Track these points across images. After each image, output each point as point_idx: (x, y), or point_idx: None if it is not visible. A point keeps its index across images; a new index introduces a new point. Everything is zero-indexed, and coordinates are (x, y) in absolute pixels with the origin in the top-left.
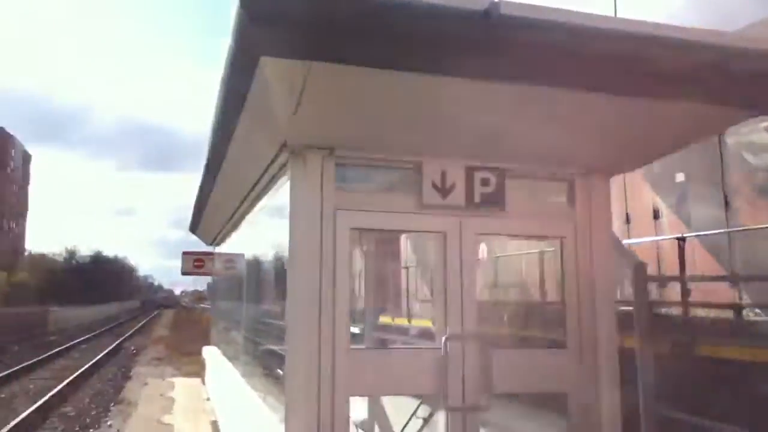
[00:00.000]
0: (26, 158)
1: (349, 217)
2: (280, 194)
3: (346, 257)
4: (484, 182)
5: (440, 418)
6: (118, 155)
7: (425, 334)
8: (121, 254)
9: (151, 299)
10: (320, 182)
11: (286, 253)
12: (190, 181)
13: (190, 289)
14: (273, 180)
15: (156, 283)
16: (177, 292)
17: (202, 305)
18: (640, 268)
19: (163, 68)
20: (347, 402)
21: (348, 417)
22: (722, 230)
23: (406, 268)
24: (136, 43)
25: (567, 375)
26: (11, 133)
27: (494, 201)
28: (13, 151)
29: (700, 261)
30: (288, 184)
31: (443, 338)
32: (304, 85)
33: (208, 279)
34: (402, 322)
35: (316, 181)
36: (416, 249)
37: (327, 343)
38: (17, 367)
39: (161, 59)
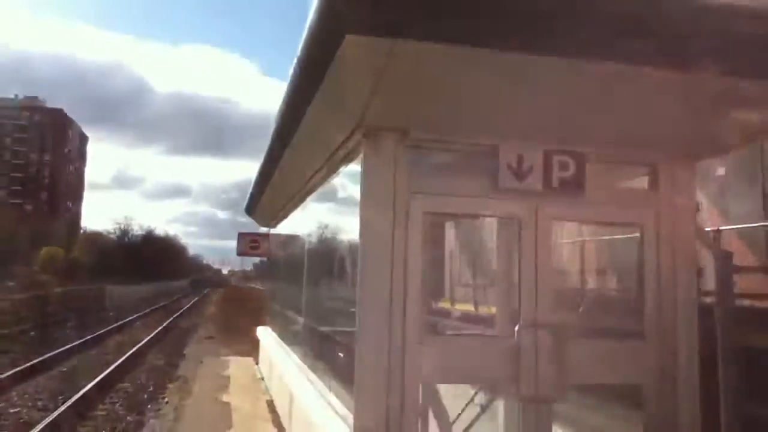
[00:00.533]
0: (83, 139)
1: (422, 201)
2: (350, 177)
3: (418, 242)
4: (563, 166)
5: (500, 406)
6: (169, 138)
7: (467, 318)
8: (171, 233)
9: (201, 278)
10: (393, 165)
11: (353, 237)
12: (239, 167)
13: (237, 268)
14: (341, 162)
15: (204, 262)
16: (224, 271)
17: (250, 285)
18: (726, 258)
19: (219, 53)
20: (418, 389)
21: (418, 405)
22: (759, 224)
23: (450, 252)
24: (192, 29)
25: (643, 367)
26: (69, 114)
27: (573, 186)
28: (70, 132)
29: (736, 253)
30: (358, 167)
31: (516, 327)
32: (386, 64)
33: (255, 259)
34: (445, 305)
35: (389, 163)
36: (458, 234)
37: (397, 328)
38: (77, 342)
39: (218, 44)
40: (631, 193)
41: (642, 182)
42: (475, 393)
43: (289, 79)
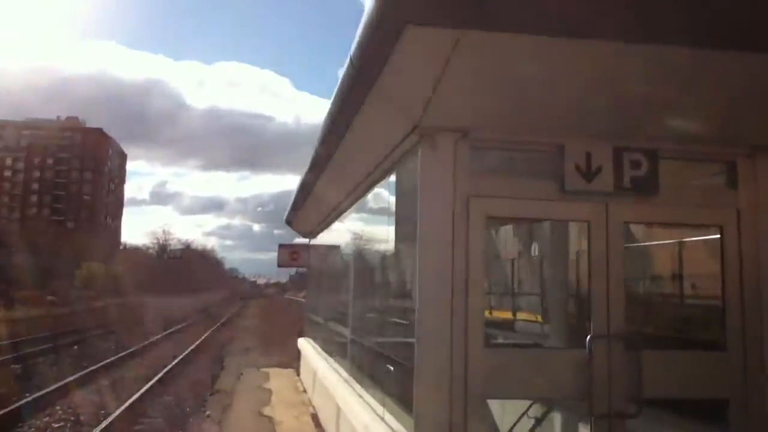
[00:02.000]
0: (122, 157)
1: (483, 204)
2: (405, 181)
3: (480, 248)
4: (635, 164)
5: (556, 419)
6: (205, 153)
7: (498, 324)
8: (208, 247)
9: (237, 290)
10: (452, 167)
11: (407, 246)
12: (273, 180)
13: (273, 281)
14: (395, 166)
15: (241, 275)
16: (259, 282)
17: (286, 296)
18: None
19: (252, 70)
20: (481, 406)
21: (481, 423)
22: None
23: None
24: (225, 47)
25: (727, 380)
26: (108, 133)
27: (646, 185)
28: (110, 150)
29: None
30: (415, 170)
31: (587, 337)
32: (451, 57)
33: (290, 271)
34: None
35: (448, 165)
36: (498, 241)
37: (459, 340)
38: (120, 354)
39: (251, 61)
40: (709, 192)
41: (721, 180)
42: (530, 405)
43: (339, 79)
